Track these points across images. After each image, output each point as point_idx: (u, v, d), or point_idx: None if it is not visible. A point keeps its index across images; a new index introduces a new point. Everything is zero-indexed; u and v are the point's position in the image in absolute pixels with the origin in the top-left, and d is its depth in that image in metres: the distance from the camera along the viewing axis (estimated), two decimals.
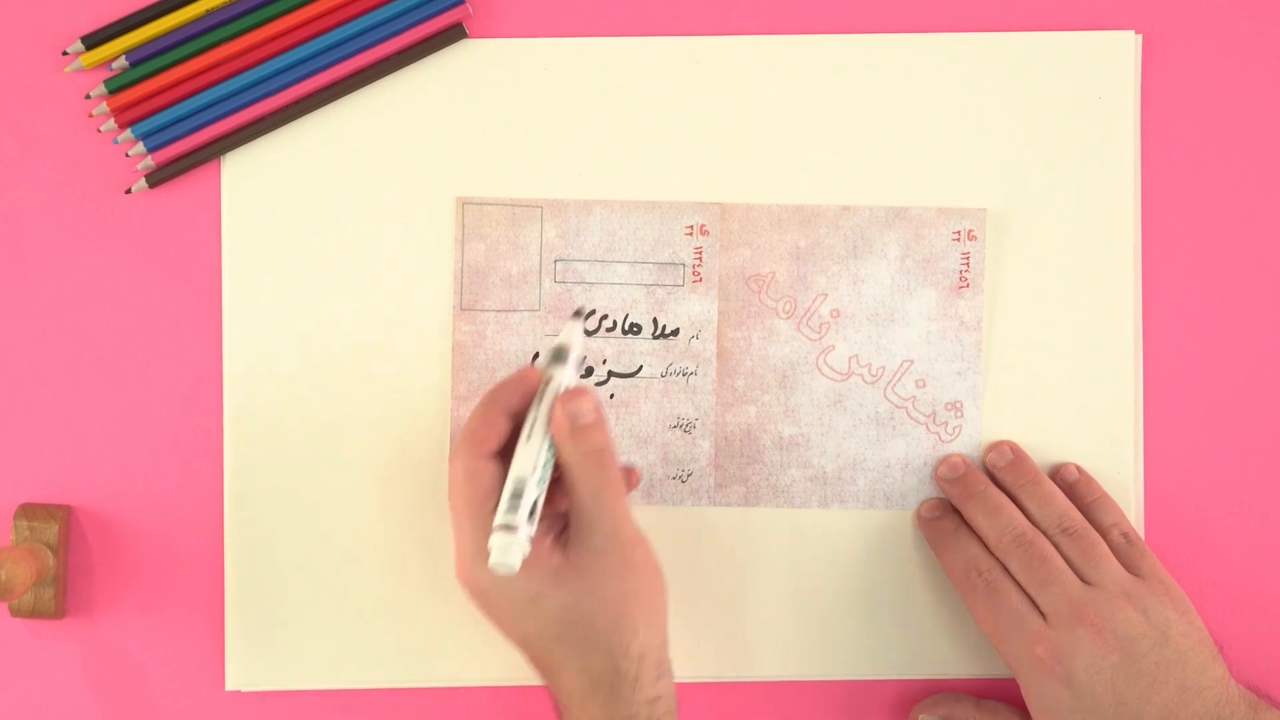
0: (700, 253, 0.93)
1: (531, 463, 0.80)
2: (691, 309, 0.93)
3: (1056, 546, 0.87)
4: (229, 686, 0.94)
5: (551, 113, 0.93)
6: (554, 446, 0.82)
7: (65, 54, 0.93)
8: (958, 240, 0.93)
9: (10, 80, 0.93)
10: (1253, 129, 0.94)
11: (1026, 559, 0.87)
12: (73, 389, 0.93)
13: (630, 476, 0.90)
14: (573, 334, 0.84)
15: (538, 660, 0.84)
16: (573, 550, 0.82)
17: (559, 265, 0.93)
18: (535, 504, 0.79)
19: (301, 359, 0.93)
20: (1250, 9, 0.94)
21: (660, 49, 0.93)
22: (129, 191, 0.93)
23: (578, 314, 0.84)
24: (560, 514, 0.84)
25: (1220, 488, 0.94)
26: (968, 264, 0.93)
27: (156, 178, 0.93)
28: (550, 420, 0.82)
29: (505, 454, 0.82)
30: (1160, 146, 0.94)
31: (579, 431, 0.81)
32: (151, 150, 0.93)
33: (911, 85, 0.93)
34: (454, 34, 0.93)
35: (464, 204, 0.93)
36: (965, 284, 0.93)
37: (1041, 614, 0.86)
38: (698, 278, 0.93)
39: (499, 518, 0.78)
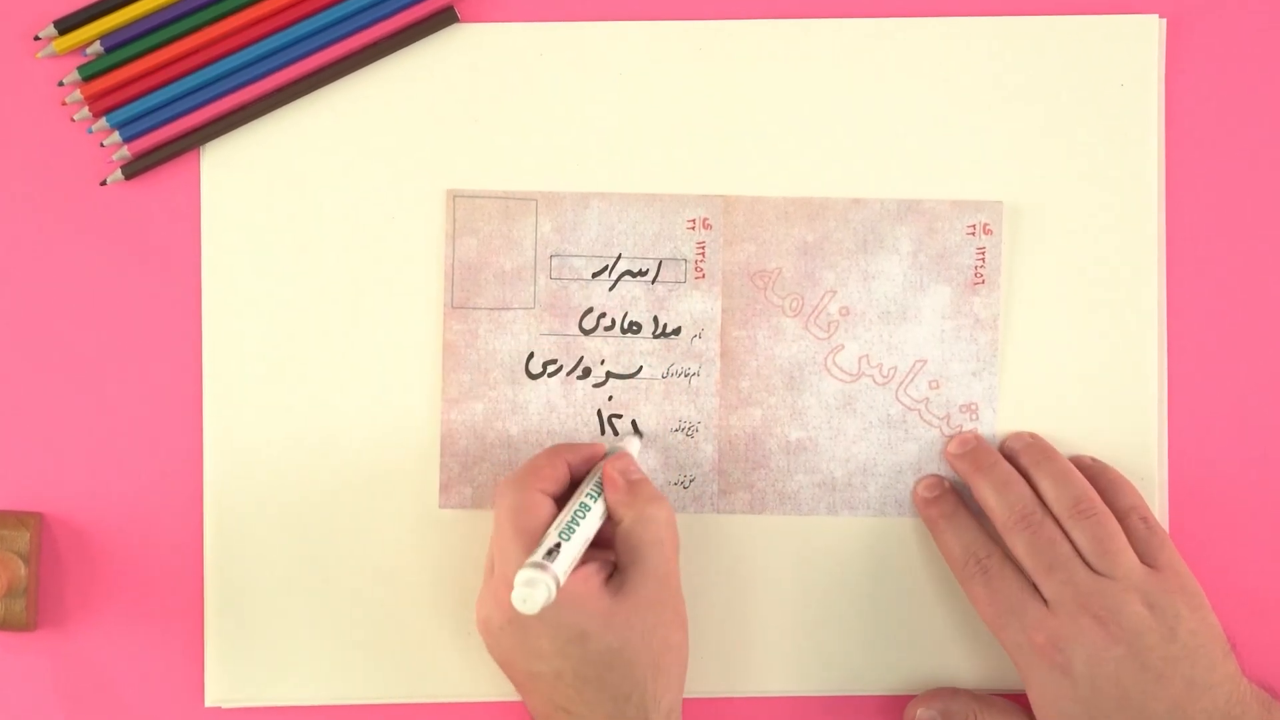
0: (703, 248, 0.91)
1: (580, 515, 0.83)
2: (694, 307, 0.91)
3: (1070, 532, 0.86)
4: (208, 703, 0.92)
5: (547, 101, 0.92)
6: (607, 507, 0.85)
7: (37, 39, 0.91)
8: (973, 234, 0.91)
9: None
10: None
11: (1033, 540, 0.86)
12: (44, 390, 0.92)
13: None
14: (631, 445, 0.90)
15: (558, 698, 0.84)
16: (626, 596, 0.83)
17: (555, 261, 0.91)
18: (574, 557, 0.81)
19: (284, 359, 0.92)
20: None
21: (661, 33, 0.92)
22: (104, 184, 0.92)
23: (638, 432, 0.91)
24: (610, 560, 0.85)
25: (1246, 489, 0.93)
26: (983, 259, 0.91)
27: (133, 169, 0.91)
28: (604, 477, 0.86)
29: (557, 502, 0.85)
30: (1185, 136, 0.92)
31: (634, 485, 0.85)
32: (128, 140, 0.91)
33: (924, 72, 0.92)
34: (445, 18, 0.91)
35: (455, 197, 0.91)
36: (981, 280, 0.91)
37: (1044, 600, 0.85)
38: (700, 274, 0.91)
39: (535, 555, 0.79)
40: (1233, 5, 0.93)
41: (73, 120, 0.91)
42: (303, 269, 0.92)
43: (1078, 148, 0.91)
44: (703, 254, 0.91)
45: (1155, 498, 0.91)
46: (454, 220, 0.91)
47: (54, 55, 0.91)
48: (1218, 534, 0.92)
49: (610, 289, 0.91)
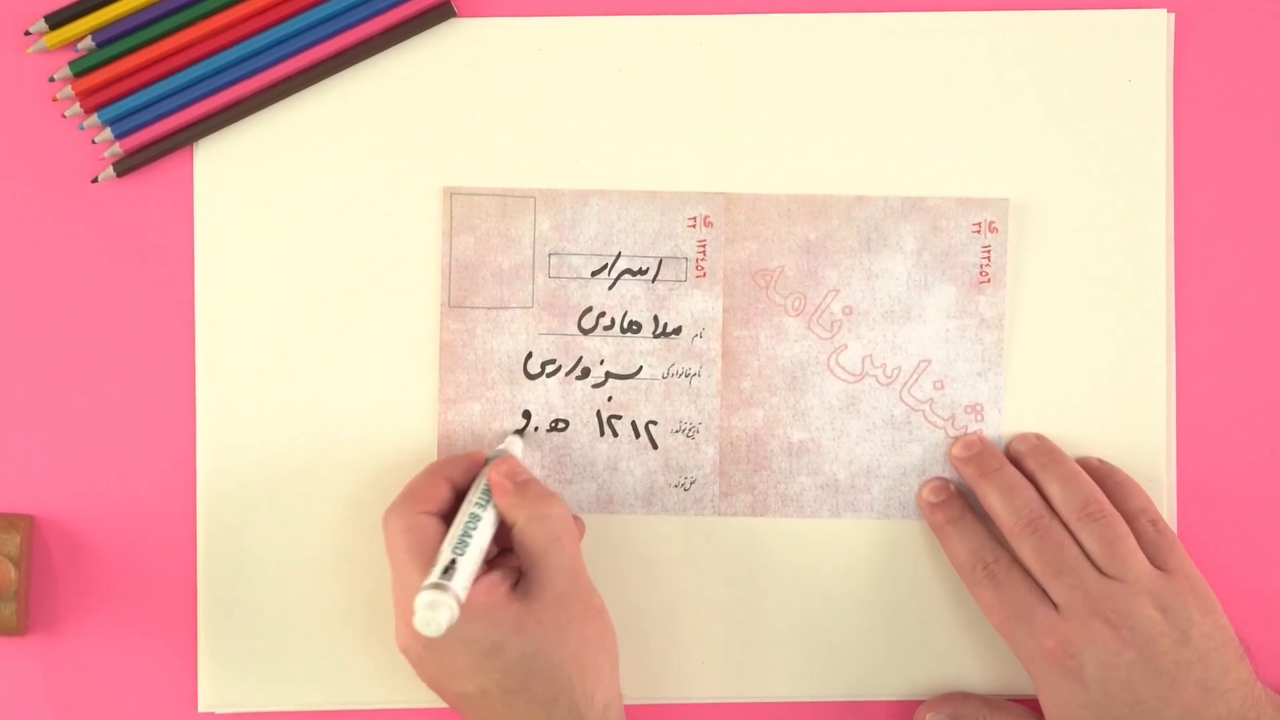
0: (704, 246, 0.91)
1: (471, 527, 0.82)
2: (694, 306, 0.91)
3: (1078, 535, 0.85)
4: (202, 708, 0.92)
5: (545, 97, 0.91)
6: (498, 513, 0.84)
7: (28, 34, 0.91)
8: (978, 232, 0.91)
9: None
10: None
11: (1040, 544, 0.85)
12: (35, 390, 0.92)
13: (578, 525, 0.89)
14: (513, 445, 0.89)
15: (492, 716, 0.83)
16: (533, 598, 0.83)
17: (553, 259, 0.91)
18: (472, 570, 0.80)
19: (279, 358, 0.92)
20: None
21: (661, 28, 0.91)
22: (96, 181, 0.91)
23: (519, 432, 0.90)
24: (514, 567, 0.85)
25: (1256, 489, 0.92)
26: (989, 258, 0.90)
27: (125, 166, 0.91)
28: (491, 484, 0.85)
29: (445, 520, 0.85)
30: (1194, 132, 0.92)
31: (522, 486, 0.85)
32: (120, 137, 0.91)
33: (929, 66, 0.92)
34: (442, 12, 0.91)
35: (452, 194, 0.91)
36: (986, 279, 0.91)
37: (1054, 605, 0.84)
38: (701, 273, 0.91)
39: (431, 576, 0.78)
40: (1240, 1, 0.92)
41: (64, 116, 0.91)
42: (297, 267, 0.91)
43: (1085, 144, 0.91)
44: (704, 252, 0.91)
45: (1164, 499, 0.91)
46: (451, 218, 0.91)
47: (45, 50, 0.91)
48: (1227, 535, 0.92)
49: (610, 288, 0.91)
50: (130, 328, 0.92)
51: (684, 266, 0.91)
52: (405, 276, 0.91)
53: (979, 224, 0.90)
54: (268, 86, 0.91)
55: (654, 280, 0.91)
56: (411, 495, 0.85)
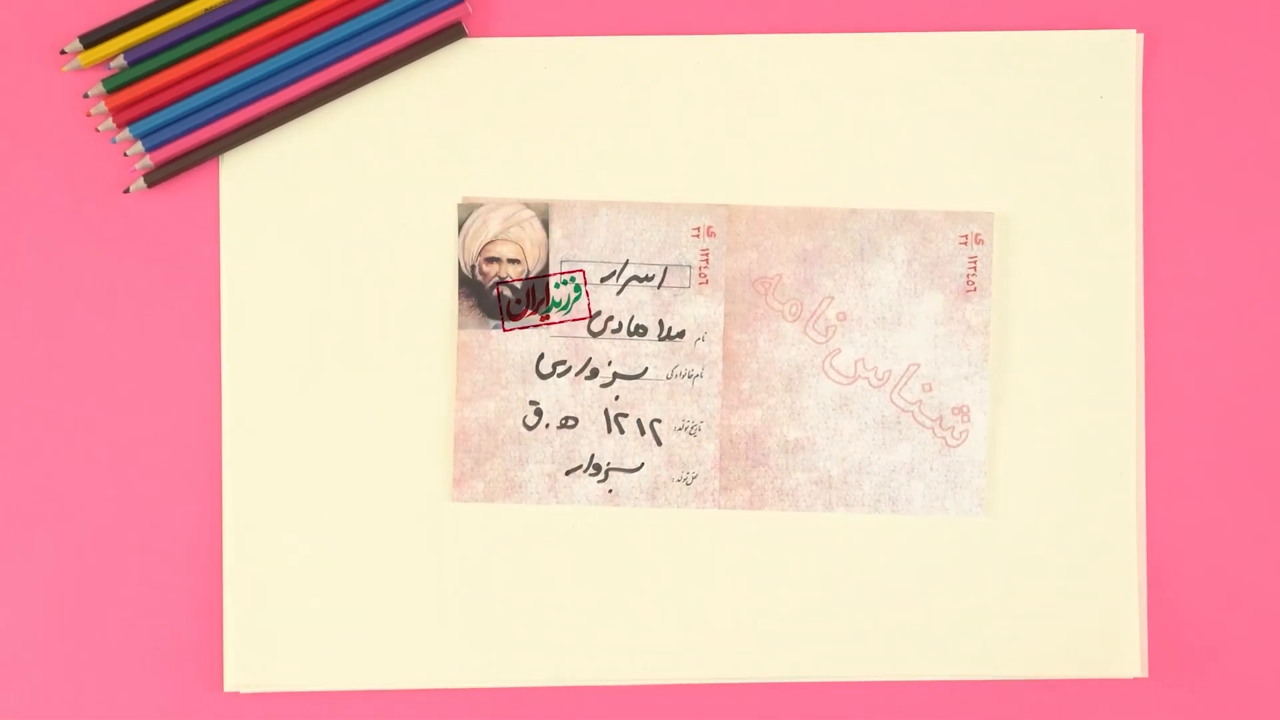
0: (707, 255, 0.93)
1: None
2: (698, 311, 0.93)
3: None
4: (228, 688, 0.93)
5: (553, 112, 0.94)
6: None
7: (63, 53, 0.93)
8: (965, 244, 0.93)
9: (8, 79, 0.94)
10: (1256, 128, 0.95)
11: None
12: (71, 386, 0.94)
13: None
14: None
15: None
16: None
17: (564, 266, 0.93)
18: None
19: (302, 355, 0.94)
20: (1253, 7, 0.95)
21: (664, 48, 0.94)
22: (128, 191, 0.93)
23: None
24: None
25: (1225, 487, 0.95)
26: (975, 268, 0.93)
27: (155, 177, 0.93)
28: None
29: None
30: (1163, 146, 0.94)
31: None
32: (150, 150, 0.93)
33: (911, 85, 0.94)
34: (453, 33, 0.93)
35: (468, 205, 0.93)
36: (973, 288, 0.93)
37: None
38: (704, 280, 0.93)
39: None
40: (1207, 21, 0.94)
41: (97, 130, 0.93)
42: (319, 269, 0.93)
43: (1060, 157, 0.93)
44: (706, 260, 0.93)
45: (1132, 497, 0.94)
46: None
47: (79, 69, 0.93)
48: (1195, 533, 0.94)
49: (618, 293, 0.93)
50: (159, 327, 0.93)
51: (688, 274, 0.93)
52: (423, 282, 0.93)
53: (965, 236, 0.93)
54: (289, 103, 0.93)
55: (659, 286, 0.93)
56: None
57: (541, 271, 0.93)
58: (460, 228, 0.93)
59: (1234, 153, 0.95)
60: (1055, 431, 0.94)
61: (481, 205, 0.93)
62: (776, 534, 0.94)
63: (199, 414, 0.94)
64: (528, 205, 0.93)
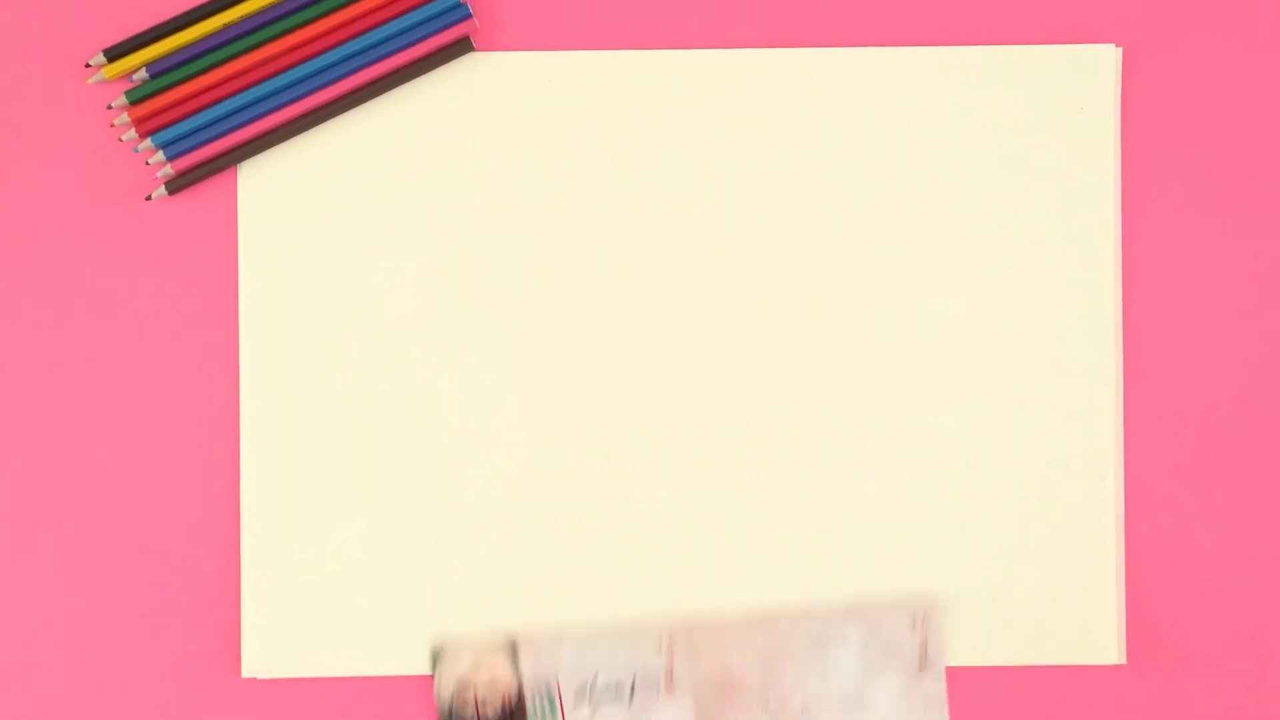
0: (671, 663, 0.94)
1: None
2: (666, 718, 0.94)
3: None
4: (245, 673, 0.94)
5: (560, 125, 0.95)
6: None
7: (88, 66, 0.95)
8: (913, 627, 0.94)
9: (35, 91, 0.95)
10: (1233, 140, 0.96)
11: None
12: (94, 386, 0.95)
13: None
14: None
15: None
16: None
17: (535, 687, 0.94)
18: None
19: (319, 356, 0.95)
20: (1231, 22, 0.96)
21: (671, 63, 0.95)
22: (149, 198, 0.95)
23: None
24: None
25: (1201, 477, 0.95)
26: (925, 649, 0.94)
27: (176, 185, 0.95)
28: None
29: None
30: (1141, 158, 0.95)
31: None
32: (171, 159, 0.94)
33: (889, 99, 0.95)
34: (462, 47, 0.95)
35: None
36: (926, 665, 0.94)
37: None
38: (671, 688, 0.94)
39: None
40: (1185, 36, 0.95)
41: (120, 140, 0.95)
42: (332, 272, 0.95)
43: (1041, 168, 0.94)
44: (672, 667, 0.93)
45: (1110, 483, 0.94)
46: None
47: (103, 81, 0.95)
48: (1173, 529, 0.95)
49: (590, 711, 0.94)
50: (179, 327, 0.95)
51: (656, 681, 0.93)
52: (436, 288, 0.94)
53: (914, 618, 0.93)
54: (304, 114, 0.94)
55: (630, 697, 0.93)
56: None
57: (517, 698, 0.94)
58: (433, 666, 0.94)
59: (1212, 165, 0.96)
60: (1035, 426, 0.94)
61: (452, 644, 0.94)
62: None
63: (218, 409, 0.95)
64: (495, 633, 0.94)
